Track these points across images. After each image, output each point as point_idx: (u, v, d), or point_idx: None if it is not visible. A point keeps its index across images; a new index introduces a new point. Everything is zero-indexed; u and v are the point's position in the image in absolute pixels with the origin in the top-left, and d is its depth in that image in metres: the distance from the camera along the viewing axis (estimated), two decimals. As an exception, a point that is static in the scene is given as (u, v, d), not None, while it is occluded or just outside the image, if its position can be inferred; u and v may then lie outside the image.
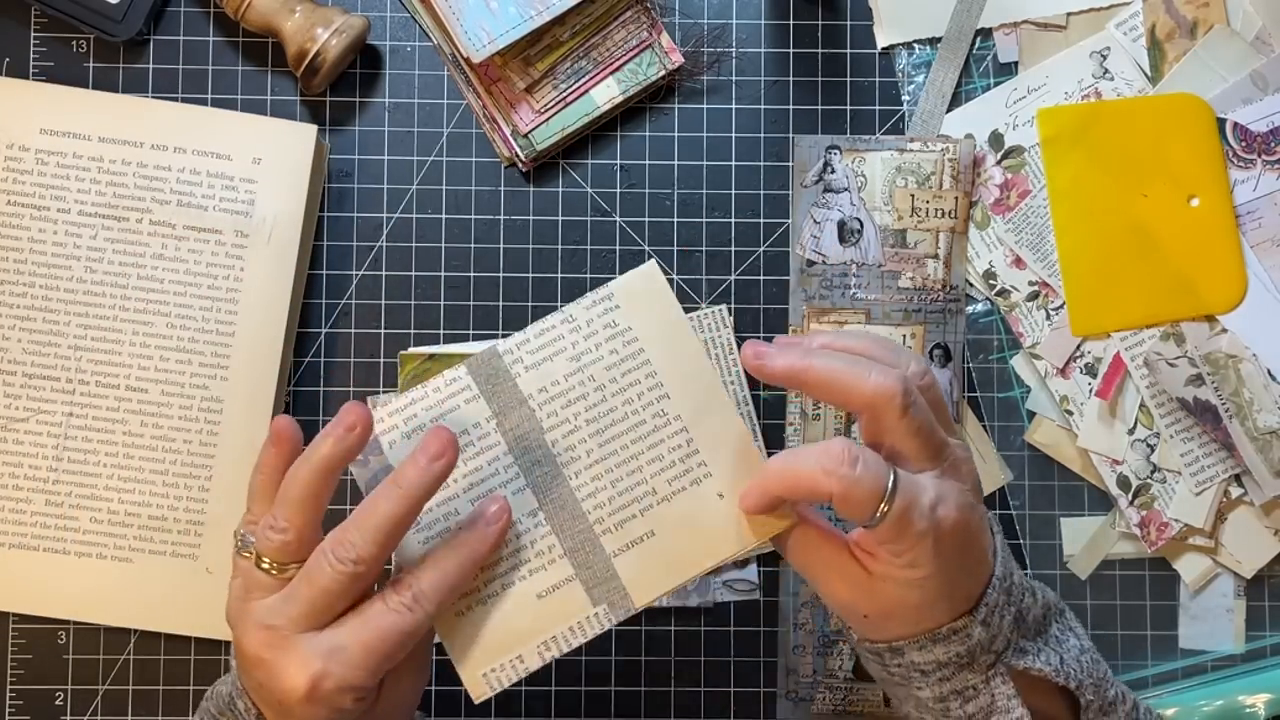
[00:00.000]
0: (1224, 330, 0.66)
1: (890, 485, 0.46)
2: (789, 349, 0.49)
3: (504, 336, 0.52)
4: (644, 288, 0.52)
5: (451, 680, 0.67)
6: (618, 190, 0.68)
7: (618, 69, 0.67)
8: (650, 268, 0.52)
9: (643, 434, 0.51)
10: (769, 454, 0.54)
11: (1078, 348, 0.67)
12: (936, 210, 0.67)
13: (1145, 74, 0.68)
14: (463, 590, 0.49)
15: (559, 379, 0.51)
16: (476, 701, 0.50)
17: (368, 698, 0.48)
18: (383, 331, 0.68)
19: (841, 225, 0.67)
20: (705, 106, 0.68)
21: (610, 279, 0.53)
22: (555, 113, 0.66)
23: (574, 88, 0.67)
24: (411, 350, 0.67)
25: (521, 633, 0.50)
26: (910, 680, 0.51)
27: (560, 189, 0.68)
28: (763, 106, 0.68)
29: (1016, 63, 0.68)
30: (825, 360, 0.48)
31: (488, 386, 0.51)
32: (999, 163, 0.68)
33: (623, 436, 0.51)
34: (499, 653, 0.50)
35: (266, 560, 0.47)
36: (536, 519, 0.50)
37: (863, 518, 0.46)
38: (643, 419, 0.51)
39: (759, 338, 0.68)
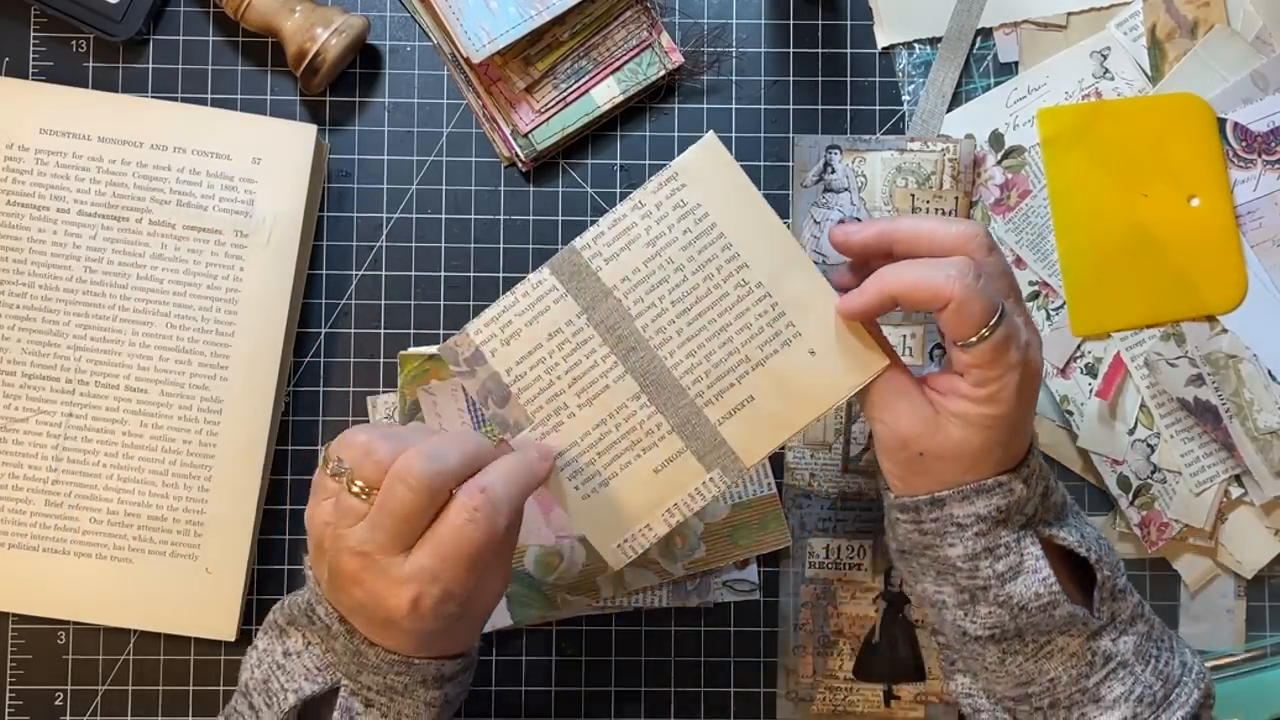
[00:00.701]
0: (1224, 330, 0.66)
1: (1001, 309, 0.49)
2: (871, 222, 0.54)
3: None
4: (706, 160, 0.53)
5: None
6: (617, 190, 0.68)
7: (618, 69, 0.67)
8: (710, 139, 0.53)
9: (728, 305, 0.53)
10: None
11: (1078, 348, 0.67)
12: (937, 210, 0.67)
13: (1145, 74, 0.68)
14: (531, 492, 0.52)
15: (639, 266, 0.53)
16: (615, 569, 0.55)
17: (467, 599, 0.50)
18: (382, 331, 0.68)
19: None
20: (705, 106, 0.68)
21: None
22: (555, 112, 0.66)
23: (574, 87, 0.67)
24: (411, 350, 0.67)
25: (646, 505, 0.54)
26: (944, 536, 0.53)
27: (560, 189, 0.68)
28: (763, 106, 0.68)
29: (1017, 63, 0.68)
30: (910, 219, 0.53)
31: (572, 284, 0.53)
32: (999, 163, 0.68)
33: (709, 311, 0.53)
34: (628, 524, 0.54)
35: (358, 483, 0.49)
36: (640, 401, 0.53)
37: (966, 334, 0.49)
38: (725, 291, 0.53)
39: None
